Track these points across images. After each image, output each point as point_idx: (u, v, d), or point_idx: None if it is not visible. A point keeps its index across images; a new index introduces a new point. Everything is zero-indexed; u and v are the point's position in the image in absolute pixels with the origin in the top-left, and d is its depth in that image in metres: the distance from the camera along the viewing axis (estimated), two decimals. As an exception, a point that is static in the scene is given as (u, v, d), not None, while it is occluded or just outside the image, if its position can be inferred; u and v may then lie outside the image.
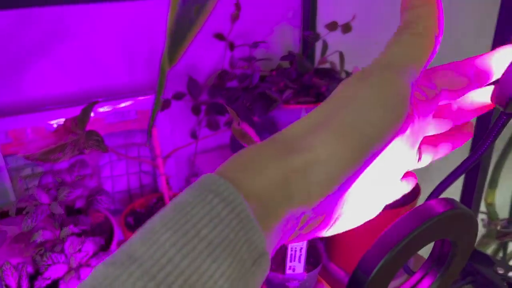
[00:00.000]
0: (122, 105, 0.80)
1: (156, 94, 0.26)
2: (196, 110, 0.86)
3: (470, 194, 0.65)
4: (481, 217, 1.10)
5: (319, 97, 0.76)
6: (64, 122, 0.61)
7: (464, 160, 0.32)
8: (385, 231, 0.29)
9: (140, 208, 0.76)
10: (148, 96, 0.82)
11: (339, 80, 0.78)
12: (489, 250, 1.09)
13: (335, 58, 0.81)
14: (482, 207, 1.06)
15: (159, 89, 0.25)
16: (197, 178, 0.77)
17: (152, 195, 0.79)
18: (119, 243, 0.66)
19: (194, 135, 0.89)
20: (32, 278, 0.55)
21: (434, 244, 0.33)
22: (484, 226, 1.10)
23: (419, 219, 0.29)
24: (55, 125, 0.74)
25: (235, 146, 0.79)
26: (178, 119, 0.92)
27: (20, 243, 0.61)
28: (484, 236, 1.06)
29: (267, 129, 0.76)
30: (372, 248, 0.29)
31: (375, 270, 0.29)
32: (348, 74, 0.81)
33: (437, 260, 0.33)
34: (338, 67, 0.81)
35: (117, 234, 0.66)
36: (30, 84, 0.76)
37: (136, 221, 0.73)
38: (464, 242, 0.31)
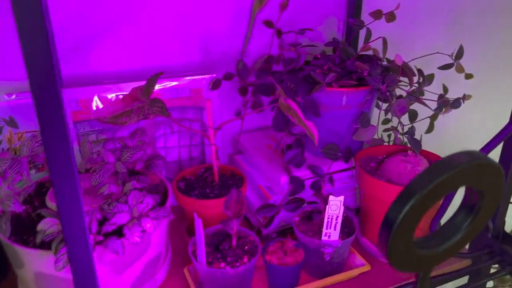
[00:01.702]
0: (177, 83, 0.87)
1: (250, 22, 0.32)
2: (243, 91, 0.93)
3: None
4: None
5: (361, 82, 0.81)
6: (131, 91, 0.68)
7: (504, 127, 0.36)
8: (415, 177, 0.35)
9: (190, 176, 0.84)
10: (201, 76, 0.89)
11: (381, 66, 0.82)
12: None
13: (377, 46, 0.85)
14: None
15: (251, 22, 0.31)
16: (240, 155, 0.85)
17: (201, 165, 0.86)
18: (172, 203, 0.74)
19: (239, 115, 0.95)
20: (100, 223, 0.63)
21: (464, 194, 0.38)
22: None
23: (446, 167, 0.34)
24: (120, 96, 0.82)
25: (278, 125, 0.85)
26: (226, 100, 0.98)
27: (89, 195, 0.69)
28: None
29: (309, 109, 0.81)
30: (404, 190, 0.34)
31: (405, 209, 0.34)
32: (389, 61, 0.85)
33: (467, 209, 0.37)
34: (380, 54, 0.85)
35: (171, 195, 0.73)
36: (97, 60, 0.85)
37: (186, 186, 0.80)
38: (490, 192, 0.36)
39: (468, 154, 0.34)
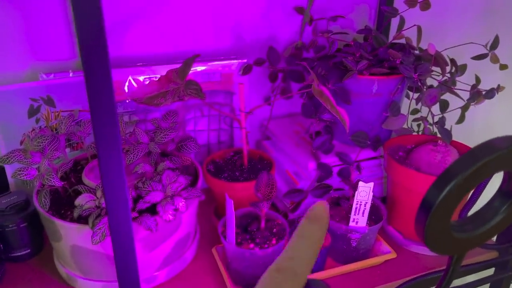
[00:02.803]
0: (208, 67, 0.88)
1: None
2: (273, 77, 0.93)
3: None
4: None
5: (392, 70, 0.80)
6: (167, 72, 0.70)
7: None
8: (456, 160, 0.35)
9: (219, 159, 0.85)
10: (232, 61, 0.90)
11: (414, 55, 0.81)
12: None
13: (409, 34, 0.84)
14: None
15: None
16: (268, 141, 0.86)
17: (229, 149, 0.87)
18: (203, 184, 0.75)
19: (268, 101, 0.96)
20: (135, 201, 0.65)
21: (503, 178, 0.38)
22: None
23: (487, 151, 0.34)
24: (154, 79, 0.84)
25: (307, 112, 0.85)
26: (255, 86, 0.99)
27: (124, 174, 0.72)
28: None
29: (340, 96, 0.81)
30: (444, 173, 0.34)
31: (444, 191, 0.34)
32: (421, 50, 0.85)
33: (505, 194, 0.37)
34: (413, 43, 0.84)
35: (201, 176, 0.75)
36: (131, 42, 0.86)
37: (215, 169, 0.82)
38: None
39: (509, 139, 0.34)
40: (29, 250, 0.75)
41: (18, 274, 0.73)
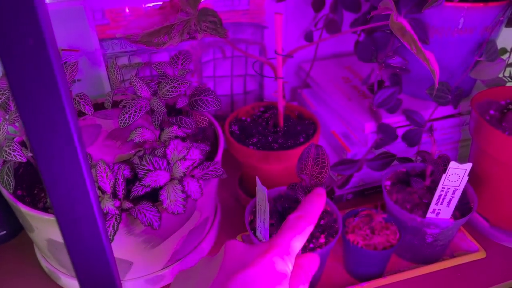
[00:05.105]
0: (233, -10, 0.65)
1: None
2: (318, 4, 0.70)
3: None
4: None
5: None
6: (172, -3, 0.48)
7: None
8: None
9: (246, 116, 0.65)
10: (264, -18, 0.66)
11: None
12: None
13: None
14: None
15: None
16: (307, 89, 0.64)
17: (259, 103, 0.67)
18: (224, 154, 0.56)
19: (309, 38, 0.73)
20: (129, 183, 0.46)
21: None
22: None
23: None
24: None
25: (365, 54, 0.63)
26: (292, 16, 0.76)
27: (116, 141, 0.53)
28: None
29: (415, 32, 0.58)
30: None
31: None
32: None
33: None
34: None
35: (222, 142, 0.56)
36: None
37: (241, 130, 0.62)
38: None
39: None
40: (4, 232, 0.59)
41: (-9, 262, 0.57)
